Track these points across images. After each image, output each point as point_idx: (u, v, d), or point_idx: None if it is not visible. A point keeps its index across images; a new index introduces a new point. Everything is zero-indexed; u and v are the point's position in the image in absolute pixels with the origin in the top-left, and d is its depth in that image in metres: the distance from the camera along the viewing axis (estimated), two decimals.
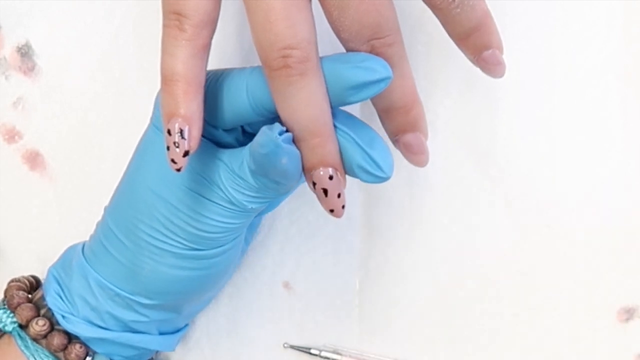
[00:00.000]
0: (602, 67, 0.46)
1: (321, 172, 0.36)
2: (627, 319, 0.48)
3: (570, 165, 0.47)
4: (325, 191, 0.36)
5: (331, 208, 0.37)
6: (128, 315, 0.42)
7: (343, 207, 0.37)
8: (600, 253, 0.47)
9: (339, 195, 0.37)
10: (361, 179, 0.37)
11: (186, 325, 0.48)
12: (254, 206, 0.38)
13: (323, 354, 0.48)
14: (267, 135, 0.35)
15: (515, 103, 0.47)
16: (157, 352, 0.48)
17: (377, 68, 0.34)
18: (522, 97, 0.47)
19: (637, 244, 0.48)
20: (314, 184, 0.36)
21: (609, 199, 0.47)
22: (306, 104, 0.35)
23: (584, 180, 0.47)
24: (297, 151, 0.36)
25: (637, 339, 0.48)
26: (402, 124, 0.38)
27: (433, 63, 0.47)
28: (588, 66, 0.46)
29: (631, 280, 0.48)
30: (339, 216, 0.37)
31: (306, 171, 0.36)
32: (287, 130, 0.35)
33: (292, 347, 0.49)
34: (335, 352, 0.49)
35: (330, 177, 0.36)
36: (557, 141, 0.47)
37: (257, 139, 0.35)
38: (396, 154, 0.40)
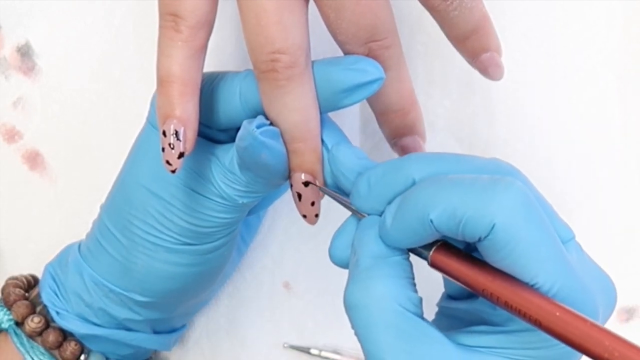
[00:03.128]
0: (602, 67, 0.46)
1: (297, 177, 0.37)
2: (627, 319, 0.48)
3: (569, 166, 0.47)
4: (299, 195, 0.37)
5: (304, 214, 0.38)
6: (121, 313, 0.42)
7: (316, 215, 0.38)
8: (600, 253, 0.47)
9: (312, 204, 0.37)
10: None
11: (184, 326, 0.48)
12: (244, 201, 0.38)
13: (323, 354, 0.48)
14: (245, 128, 0.35)
15: (515, 103, 0.47)
16: (154, 351, 0.48)
17: (368, 69, 0.35)
18: (522, 97, 0.47)
19: (637, 244, 0.47)
20: (291, 185, 0.37)
21: (609, 199, 0.47)
22: (290, 109, 0.35)
23: (583, 180, 0.47)
24: (281, 147, 0.36)
25: (637, 339, 0.48)
26: (399, 127, 0.38)
27: (432, 64, 0.47)
28: (588, 66, 0.46)
29: (631, 280, 0.47)
30: (311, 223, 0.38)
31: (290, 171, 0.37)
32: (271, 124, 0.36)
33: (292, 347, 0.49)
34: (335, 352, 0.49)
35: (306, 184, 0.36)
36: (557, 141, 0.47)
37: (239, 132, 0.35)
38: (394, 155, 0.40)
